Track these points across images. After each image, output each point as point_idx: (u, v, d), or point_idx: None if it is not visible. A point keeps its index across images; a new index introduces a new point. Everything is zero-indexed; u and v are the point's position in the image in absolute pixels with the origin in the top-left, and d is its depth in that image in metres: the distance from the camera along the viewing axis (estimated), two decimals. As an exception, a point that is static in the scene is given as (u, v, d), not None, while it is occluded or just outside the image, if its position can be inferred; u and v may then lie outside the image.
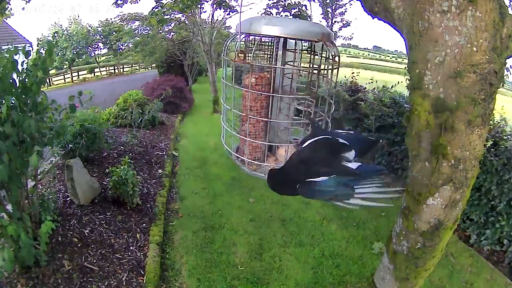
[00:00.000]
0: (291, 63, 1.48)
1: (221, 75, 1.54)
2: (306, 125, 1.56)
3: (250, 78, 1.35)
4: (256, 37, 1.41)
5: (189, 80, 12.16)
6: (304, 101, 1.58)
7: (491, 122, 2.09)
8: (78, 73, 21.32)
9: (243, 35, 1.36)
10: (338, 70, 1.39)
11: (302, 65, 1.57)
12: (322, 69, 1.39)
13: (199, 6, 7.59)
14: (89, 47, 23.68)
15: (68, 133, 3.30)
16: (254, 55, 1.44)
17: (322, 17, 10.52)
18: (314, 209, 3.50)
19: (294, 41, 1.42)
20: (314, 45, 1.41)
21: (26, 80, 1.87)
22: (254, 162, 1.46)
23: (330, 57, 1.34)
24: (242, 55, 1.27)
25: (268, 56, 1.58)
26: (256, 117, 1.42)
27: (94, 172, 3.57)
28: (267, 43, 1.57)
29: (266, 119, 1.45)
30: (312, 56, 1.46)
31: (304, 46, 1.48)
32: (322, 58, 1.38)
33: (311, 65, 1.48)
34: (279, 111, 1.49)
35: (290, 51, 1.45)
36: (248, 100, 1.40)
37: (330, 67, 1.35)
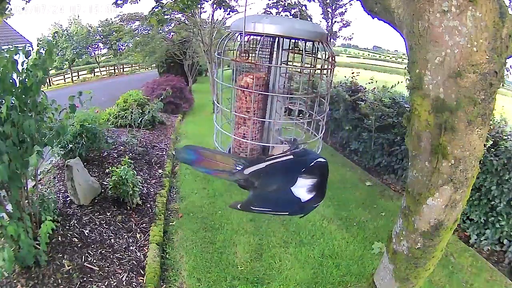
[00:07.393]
0: (285, 63, 1.47)
1: (218, 76, 1.51)
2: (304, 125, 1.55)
3: (246, 78, 1.32)
4: (256, 36, 1.39)
5: (189, 80, 12.16)
6: (298, 101, 1.56)
7: (491, 122, 2.09)
8: (78, 73, 21.33)
9: (240, 34, 1.33)
10: (332, 71, 1.39)
11: (294, 65, 1.56)
12: (324, 69, 1.37)
13: (199, 6, 7.59)
14: (89, 47, 23.68)
15: (68, 133, 3.30)
16: (254, 55, 1.42)
17: (322, 17, 10.50)
18: (314, 209, 3.50)
19: (289, 40, 1.40)
20: (313, 45, 1.40)
21: (26, 80, 1.88)
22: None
23: (327, 57, 1.33)
24: (245, 54, 1.24)
25: (264, 56, 1.55)
26: (259, 119, 1.40)
27: (94, 172, 3.57)
28: (264, 42, 1.54)
29: (265, 119, 1.44)
30: (314, 56, 1.44)
31: (305, 46, 1.46)
32: (318, 58, 1.37)
33: (311, 65, 1.46)
34: (275, 112, 1.47)
35: (286, 51, 1.42)
36: (245, 101, 1.37)
37: (326, 66, 1.35)
